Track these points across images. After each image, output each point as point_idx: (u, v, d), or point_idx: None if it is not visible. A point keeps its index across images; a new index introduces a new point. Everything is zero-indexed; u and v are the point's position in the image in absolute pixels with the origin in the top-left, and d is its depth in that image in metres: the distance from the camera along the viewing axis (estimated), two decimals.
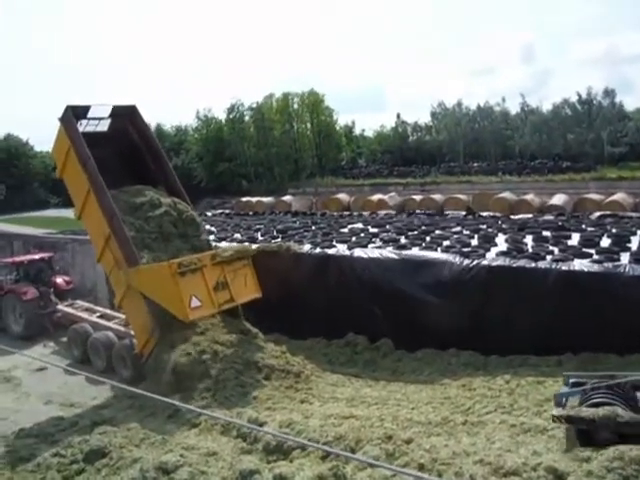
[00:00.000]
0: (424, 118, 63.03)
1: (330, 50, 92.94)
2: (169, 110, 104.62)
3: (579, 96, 60.12)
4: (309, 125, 54.76)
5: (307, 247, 13.18)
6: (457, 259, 11.23)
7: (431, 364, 10.58)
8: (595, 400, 6.75)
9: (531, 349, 9.95)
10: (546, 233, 13.44)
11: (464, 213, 19.58)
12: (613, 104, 62.09)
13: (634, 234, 12.68)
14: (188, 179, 42.01)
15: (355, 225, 16.60)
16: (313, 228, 16.37)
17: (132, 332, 11.33)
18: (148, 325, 10.51)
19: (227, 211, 26.22)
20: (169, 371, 9.76)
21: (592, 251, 11.26)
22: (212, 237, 15.39)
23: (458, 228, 15.03)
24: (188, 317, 10.05)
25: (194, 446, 7.62)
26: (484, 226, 15.18)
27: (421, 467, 6.46)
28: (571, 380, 7.61)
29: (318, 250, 12.90)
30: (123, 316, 12.32)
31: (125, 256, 10.56)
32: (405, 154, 57.42)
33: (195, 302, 10.11)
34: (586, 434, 6.50)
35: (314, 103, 53.97)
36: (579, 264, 10.35)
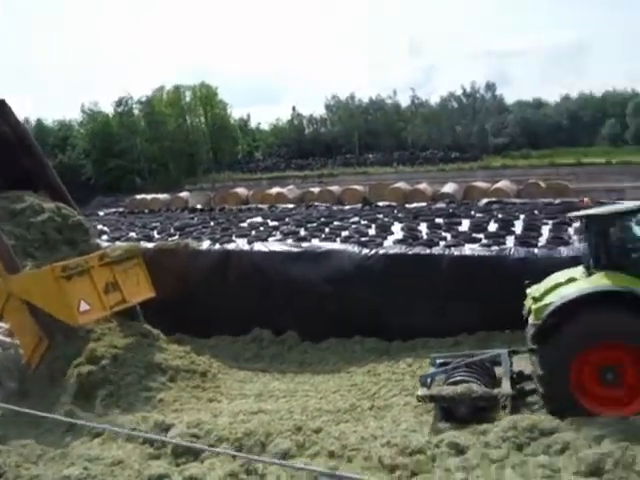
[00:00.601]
0: (319, 111, 63.75)
1: (222, 43, 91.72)
2: (52, 105, 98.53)
3: (464, 90, 63.53)
4: (203, 119, 53.68)
5: (206, 243, 12.93)
6: (356, 249, 11.51)
7: (337, 353, 10.77)
8: (456, 378, 7.29)
9: (430, 332, 10.39)
10: (439, 220, 14.05)
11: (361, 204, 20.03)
12: (494, 97, 66.16)
13: (517, 218, 13.58)
14: (75, 176, 39.76)
15: (254, 219, 16.49)
16: (212, 224, 16.07)
17: (17, 342, 10.56)
18: (34, 334, 9.84)
19: (121, 209, 25.10)
20: (65, 380, 9.22)
21: (481, 236, 11.95)
22: (105, 237, 14.67)
23: (356, 218, 15.35)
24: (77, 322, 9.53)
25: (98, 457, 7.24)
26: (381, 216, 15.60)
27: (331, 455, 6.56)
28: (438, 361, 8.15)
29: (217, 246, 12.69)
30: (7, 326, 11.45)
31: (4, 264, 9.81)
32: (302, 147, 57.89)
33: (84, 306, 9.59)
34: (448, 410, 7.04)
35: (207, 96, 52.96)
36: (469, 249, 10.97)
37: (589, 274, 6.91)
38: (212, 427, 7.63)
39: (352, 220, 15.17)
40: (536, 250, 10.44)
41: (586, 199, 15.81)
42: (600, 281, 6.58)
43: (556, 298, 6.57)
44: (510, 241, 11.31)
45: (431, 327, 10.35)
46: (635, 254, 6.98)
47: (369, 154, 52.79)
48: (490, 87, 65.00)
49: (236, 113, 60.05)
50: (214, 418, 8.13)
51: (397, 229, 13.42)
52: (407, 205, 18.08)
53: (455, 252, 10.81)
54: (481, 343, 9.55)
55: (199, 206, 23.51)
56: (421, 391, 7.38)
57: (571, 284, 6.77)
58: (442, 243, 11.49)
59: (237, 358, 11.21)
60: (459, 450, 6.10)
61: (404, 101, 63.70)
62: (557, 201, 16.64)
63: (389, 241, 12.09)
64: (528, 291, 7.53)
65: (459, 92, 63.36)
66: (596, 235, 6.98)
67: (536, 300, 6.98)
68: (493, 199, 18.90)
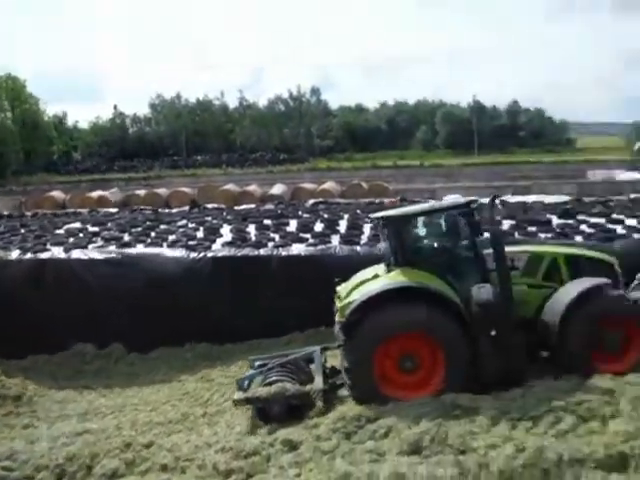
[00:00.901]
0: (143, 110, 61.14)
1: (35, 36, 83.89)
2: None
3: (290, 93, 65.19)
4: (10, 114, 48.39)
5: (15, 253, 11.71)
6: (183, 253, 11.23)
7: (167, 362, 10.40)
8: (271, 379, 7.44)
9: (263, 333, 10.47)
10: (267, 221, 14.24)
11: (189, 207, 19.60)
12: (319, 101, 68.81)
13: (342, 218, 14.26)
14: None
15: (72, 225, 15.30)
16: (22, 231, 14.61)
17: None
18: None
19: None
20: None
21: (308, 236, 12.34)
22: None
23: (184, 222, 14.99)
24: None
25: None
26: (209, 218, 15.42)
27: (164, 468, 6.30)
28: (256, 363, 8.22)
29: (29, 255, 11.57)
30: None
31: None
32: (125, 147, 55.02)
33: None
34: (263, 411, 7.15)
35: (13, 89, 47.81)
36: (297, 248, 11.27)
37: (389, 271, 7.40)
38: (28, 456, 6.89)
39: (180, 224, 14.78)
40: (358, 248, 11.04)
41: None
42: (397, 278, 7.05)
43: (359, 295, 6.94)
44: (335, 240, 11.83)
45: (263, 328, 10.45)
46: (427, 252, 7.69)
47: (197, 156, 51.88)
48: (315, 92, 67.62)
49: (50, 110, 55.22)
50: (30, 445, 7.36)
51: (226, 231, 13.34)
52: (236, 207, 18.06)
53: (283, 252, 11.04)
54: (311, 340, 9.84)
55: (8, 212, 21.26)
56: (237, 395, 7.40)
57: (372, 281, 7.23)
58: (270, 244, 11.65)
59: (56, 377, 10.30)
60: (292, 446, 6.19)
61: (232, 102, 63.62)
62: (377, 201, 17.79)
63: (218, 244, 11.98)
64: (338, 289, 7.81)
65: (286, 95, 64.97)
66: (393, 235, 7.48)
67: (341, 298, 7.36)
68: (319, 199, 19.63)
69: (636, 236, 11.13)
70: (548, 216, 13.57)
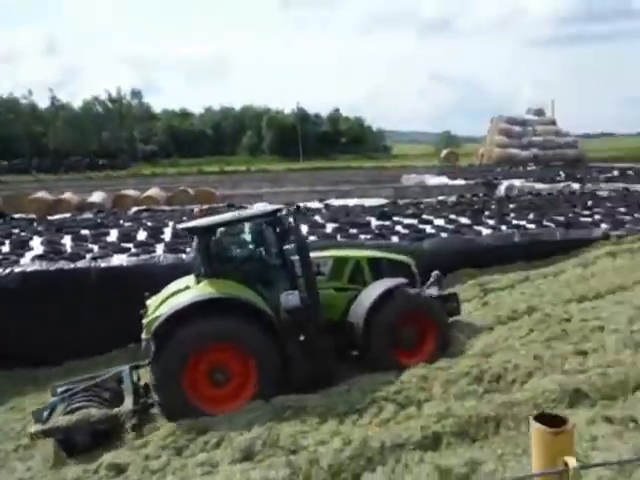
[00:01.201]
0: None
1: None
2: None
3: (109, 94, 61.65)
4: None
5: None
6: None
7: None
8: (74, 405, 6.93)
9: (83, 352, 9.70)
10: (85, 232, 13.30)
11: None
12: (141, 104, 66.01)
13: (167, 226, 13.79)
14: None
15: None
16: None
17: None
18: None
19: None
20: None
21: (130, 245, 11.73)
22: None
23: None
24: None
25: None
26: (17, 230, 13.98)
27: None
28: (59, 389, 7.47)
29: None
30: None
31: None
32: None
33: None
34: (67, 442, 6.60)
35: None
36: (118, 259, 10.64)
37: (198, 282, 7.24)
38: None
39: None
40: (184, 256, 10.75)
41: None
42: (206, 289, 6.96)
43: (167, 309, 6.75)
44: (160, 249, 11.39)
45: (83, 347, 9.67)
46: (235, 261, 7.66)
47: (3, 161, 46.89)
48: (136, 94, 64.80)
49: None
50: None
51: (37, 244, 12.18)
52: (50, 217, 16.61)
53: (102, 264, 10.35)
54: (136, 356, 9.35)
55: None
56: (34, 427, 6.63)
57: (181, 294, 7.04)
58: (88, 256, 10.87)
59: None
60: (120, 470, 5.84)
61: (42, 102, 58.55)
62: (205, 207, 17.50)
63: (27, 258, 10.89)
64: (147, 303, 7.51)
65: (104, 96, 61.39)
66: (200, 245, 7.36)
67: (148, 313, 7.11)
68: (143, 207, 18.82)
69: (443, 235, 12.28)
70: (367, 218, 14.45)
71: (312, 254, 7.53)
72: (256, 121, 72.07)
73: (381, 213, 14.92)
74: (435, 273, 8.51)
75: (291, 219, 7.85)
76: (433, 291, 8.13)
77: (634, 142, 79.18)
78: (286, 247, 7.41)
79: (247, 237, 7.90)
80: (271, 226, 7.47)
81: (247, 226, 7.82)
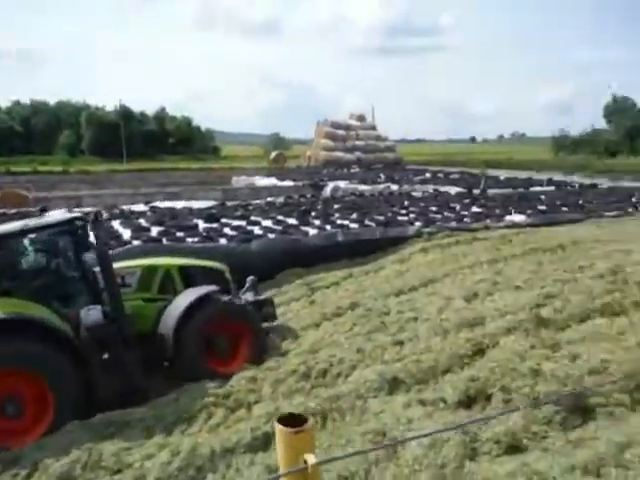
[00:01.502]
0: None
1: None
2: None
3: None
4: None
5: None
6: None
7: None
8: None
9: None
10: None
11: None
12: None
13: None
14: None
15: None
16: None
17: None
18: None
19: None
20: None
21: None
22: None
23: None
24: None
25: None
26: None
27: None
28: None
29: None
30: None
31: None
32: None
33: None
34: None
35: None
36: None
37: None
38: None
39: None
40: None
41: None
42: None
43: None
44: None
45: None
46: (26, 277, 6.82)
47: None
48: None
49: None
50: None
51: None
52: None
53: None
54: None
55: None
56: None
57: None
58: None
59: None
60: None
61: None
62: (13, 211, 15.89)
63: None
64: None
65: None
66: None
67: None
68: None
69: (271, 236, 12.47)
70: (195, 221, 14.19)
71: (119, 264, 7.17)
72: (74, 118, 66.95)
73: (209, 215, 14.75)
74: (250, 278, 8.47)
75: (91, 227, 7.06)
76: (249, 297, 8.09)
77: (444, 148, 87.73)
78: (87, 257, 6.83)
79: (40, 248, 7.05)
80: (68, 236, 6.84)
81: (40, 236, 6.99)
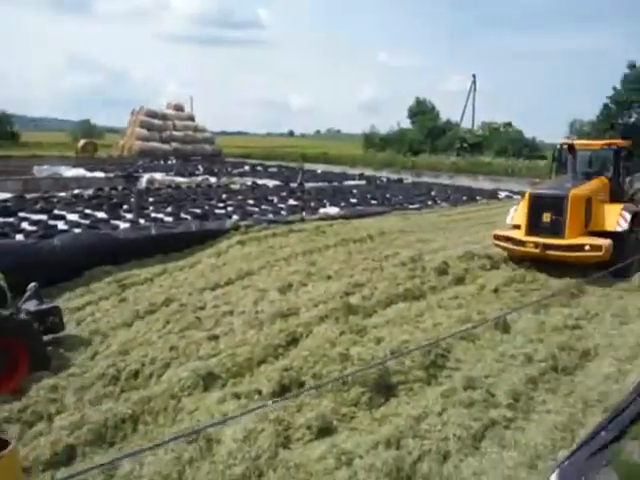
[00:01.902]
0: None
1: None
2: None
3: None
4: None
5: None
6: None
7: None
8: None
9: None
10: None
11: None
12: None
13: None
14: None
15: None
16: None
17: None
18: None
19: None
20: None
21: None
22: None
23: None
24: None
25: None
26: None
27: None
28: None
29: None
30: None
31: None
32: None
33: None
34: None
35: None
36: None
37: None
38: None
39: None
40: None
41: None
42: None
43: None
44: None
45: None
46: None
47: None
48: None
49: None
50: None
51: None
52: None
53: None
54: None
55: None
56: None
57: None
58: None
59: None
60: None
61: None
62: None
63: None
64: None
65: None
66: None
67: None
68: None
69: (76, 230, 11.52)
70: None
71: None
72: None
73: (2, 208, 13.21)
74: (32, 285, 7.33)
75: None
76: (30, 306, 7.08)
77: (263, 141, 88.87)
78: None
79: None
80: None
81: None
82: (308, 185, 23.50)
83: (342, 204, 17.44)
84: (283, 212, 15.20)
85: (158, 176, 24.44)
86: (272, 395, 5.54)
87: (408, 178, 32.46)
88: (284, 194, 19.55)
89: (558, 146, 12.08)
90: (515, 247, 10.27)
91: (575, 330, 7.37)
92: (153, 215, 13.62)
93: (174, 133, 43.78)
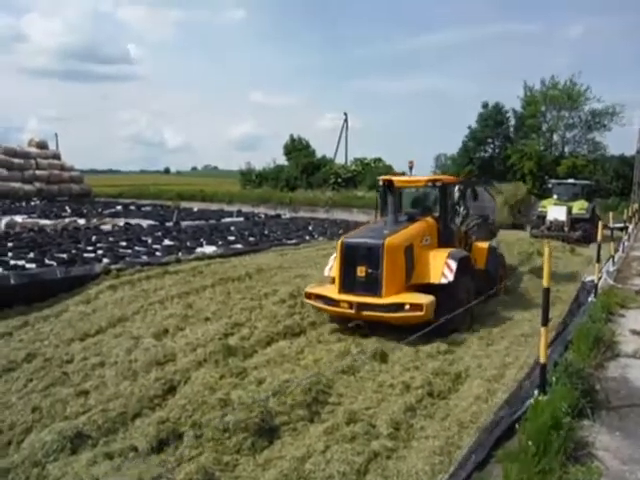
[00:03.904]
0: None
1: None
2: None
3: None
4: None
5: None
6: None
7: None
8: None
9: None
10: None
11: None
12: None
13: None
14: None
15: None
16: None
17: None
18: None
19: None
20: None
21: None
22: None
23: None
24: None
25: None
26: None
27: None
28: None
29: None
30: None
31: None
32: None
33: None
34: None
35: None
36: None
37: None
38: None
39: None
40: None
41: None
42: None
43: None
44: None
45: None
46: None
47: None
48: None
49: None
50: None
51: None
52: None
53: None
54: None
55: None
56: None
57: None
58: None
59: None
60: None
61: None
62: None
63: None
64: None
65: None
66: None
67: None
68: None
69: None
70: None
71: None
72: None
73: None
74: None
75: None
76: None
77: (137, 179, 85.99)
78: None
79: None
80: None
81: None
82: (184, 224, 22.98)
83: (219, 242, 17.19)
84: (158, 253, 14.64)
85: (19, 219, 22.66)
86: (149, 451, 5.22)
87: (286, 213, 32.87)
88: (159, 234, 18.90)
89: (380, 182, 10.34)
90: (328, 307, 8.84)
91: (447, 355, 7.75)
92: (13, 262, 12.53)
93: (37, 172, 41.01)
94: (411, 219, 9.78)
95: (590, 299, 8.67)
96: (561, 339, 6.91)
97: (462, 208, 10.72)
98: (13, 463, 5.07)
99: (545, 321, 4.71)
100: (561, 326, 8.03)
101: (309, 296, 9.19)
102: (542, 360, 4.67)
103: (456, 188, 10.54)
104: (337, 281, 8.95)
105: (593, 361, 5.49)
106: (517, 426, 4.33)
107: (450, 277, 8.75)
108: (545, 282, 4.81)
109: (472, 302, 8.93)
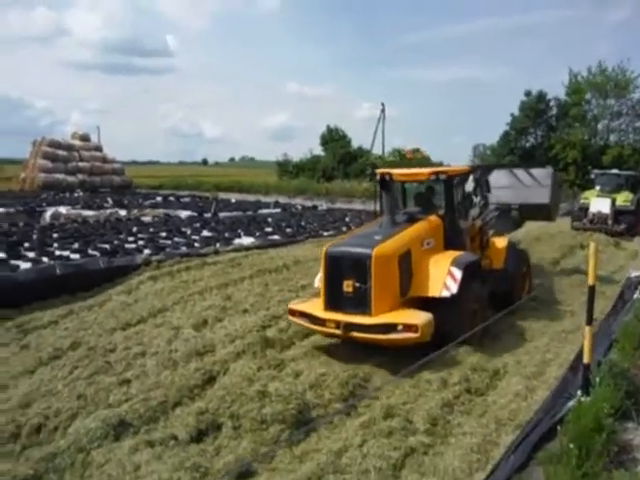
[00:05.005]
0: None
1: None
2: None
3: None
4: None
5: None
6: None
7: None
8: None
9: None
10: None
11: None
12: None
13: None
14: None
15: None
16: None
17: None
18: None
19: None
20: None
21: None
22: None
23: None
24: None
25: None
26: None
27: None
28: None
29: None
30: None
31: None
32: None
33: None
34: None
35: None
36: None
37: None
38: None
39: None
40: None
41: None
42: None
43: None
44: None
45: None
46: None
47: None
48: None
49: None
50: None
51: None
52: None
53: None
54: None
55: None
56: None
57: None
58: None
59: None
60: None
61: None
62: None
63: None
64: None
65: None
66: None
67: None
68: None
69: None
70: None
71: None
72: None
73: None
74: None
75: None
76: None
77: (176, 170, 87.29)
78: None
79: None
80: None
81: None
82: (222, 215, 23.24)
83: (257, 234, 17.34)
84: (197, 244, 14.88)
85: (63, 210, 23.28)
86: (189, 440, 5.34)
87: (322, 204, 32.87)
88: (197, 225, 19.18)
89: (378, 177, 9.07)
90: (313, 326, 7.58)
91: (485, 350, 7.65)
92: (58, 253, 12.91)
93: (80, 164, 42.04)
94: (411, 219, 8.36)
95: (635, 296, 8.43)
96: (605, 337, 6.75)
97: (479, 198, 9.47)
98: (59, 448, 5.23)
99: (590, 320, 4.60)
100: (605, 324, 7.83)
101: (293, 313, 7.86)
102: (586, 360, 4.57)
103: (471, 177, 9.27)
104: (322, 296, 7.61)
105: (638, 361, 5.35)
106: (559, 427, 4.26)
107: (453, 289, 7.30)
108: (590, 279, 4.69)
109: (485, 310, 8.00)
